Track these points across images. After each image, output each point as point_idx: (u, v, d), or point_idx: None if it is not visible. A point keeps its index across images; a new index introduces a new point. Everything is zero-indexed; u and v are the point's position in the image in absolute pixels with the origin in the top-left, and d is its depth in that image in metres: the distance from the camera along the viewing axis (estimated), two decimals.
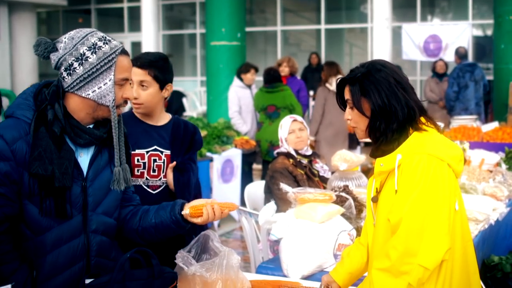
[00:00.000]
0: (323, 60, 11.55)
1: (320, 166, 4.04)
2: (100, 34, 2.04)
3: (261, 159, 7.08)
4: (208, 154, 6.25)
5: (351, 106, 2.08)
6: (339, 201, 3.12)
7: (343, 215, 3.02)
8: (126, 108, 2.35)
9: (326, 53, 13.58)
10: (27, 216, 1.96)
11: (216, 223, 6.18)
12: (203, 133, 6.46)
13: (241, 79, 7.40)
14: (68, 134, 2.00)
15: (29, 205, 1.95)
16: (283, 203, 3.57)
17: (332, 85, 7.05)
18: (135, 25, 15.14)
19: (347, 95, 2.10)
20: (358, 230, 3.00)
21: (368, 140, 2.12)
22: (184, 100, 13.06)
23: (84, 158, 2.06)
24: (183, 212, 2.17)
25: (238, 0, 8.81)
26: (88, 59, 1.98)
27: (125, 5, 15.45)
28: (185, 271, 2.12)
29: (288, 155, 3.91)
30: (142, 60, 2.68)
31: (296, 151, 3.94)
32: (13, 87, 13.15)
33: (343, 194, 3.24)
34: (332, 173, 4.01)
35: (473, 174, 4.44)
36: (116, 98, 2.02)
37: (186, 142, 2.80)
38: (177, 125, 2.82)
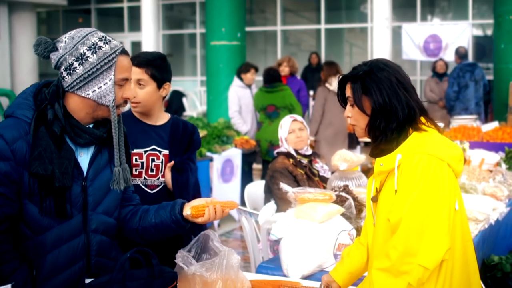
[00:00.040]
0: (323, 60, 11.55)
1: (320, 166, 4.04)
2: (100, 34, 2.04)
3: (261, 159, 7.08)
4: (208, 154, 6.25)
5: (352, 103, 2.08)
6: (339, 201, 3.12)
7: (343, 215, 3.02)
8: (125, 108, 2.35)
9: (326, 53, 13.58)
10: (27, 215, 1.96)
11: (216, 222, 6.19)
12: (203, 133, 6.46)
13: (241, 79, 7.40)
14: (68, 133, 2.00)
15: (29, 204, 1.95)
16: (283, 203, 3.57)
17: (332, 85, 7.05)
18: (135, 25, 15.14)
19: (348, 92, 2.10)
20: (358, 230, 3.00)
21: (368, 139, 2.12)
22: (184, 100, 13.07)
23: (84, 158, 2.06)
24: (184, 214, 2.17)
25: (238, 0, 8.81)
26: (88, 59, 1.98)
27: (125, 4, 15.45)
28: (185, 271, 2.12)
29: (288, 155, 3.91)
30: (140, 59, 2.68)
31: (296, 151, 3.94)
32: (13, 87, 13.15)
33: (343, 194, 3.24)
34: (332, 173, 4.01)
35: (473, 174, 4.44)
36: (116, 98, 2.02)
37: (185, 142, 2.80)
38: (176, 125, 2.81)
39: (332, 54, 13.71)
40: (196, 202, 2.22)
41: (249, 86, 7.42)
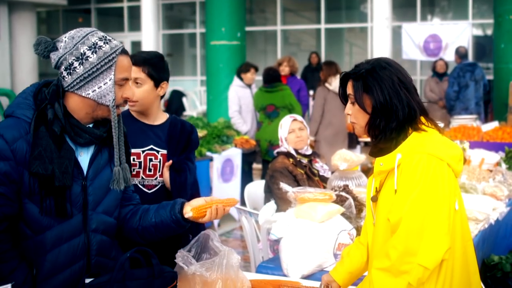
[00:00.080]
0: (323, 60, 11.56)
1: (320, 166, 4.04)
2: (101, 33, 2.04)
3: (261, 159, 7.08)
4: (208, 153, 6.25)
5: (353, 101, 2.09)
6: (339, 201, 3.12)
7: (343, 214, 3.02)
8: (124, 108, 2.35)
9: (326, 52, 13.59)
10: (27, 215, 1.96)
11: (216, 222, 6.19)
12: (203, 132, 6.46)
13: (241, 79, 7.40)
14: (68, 133, 2.00)
15: (29, 204, 1.95)
16: (283, 202, 3.57)
17: (332, 84, 7.05)
18: (135, 24, 15.14)
19: (349, 89, 2.10)
20: (358, 230, 3.00)
21: (368, 139, 2.12)
22: (184, 100, 13.08)
23: (84, 157, 2.06)
24: (186, 216, 2.17)
25: (238, 0, 8.81)
26: (88, 58, 1.98)
27: (125, 4, 15.45)
28: (185, 271, 2.12)
29: (288, 154, 3.91)
30: (136, 58, 2.68)
31: (296, 151, 3.94)
32: (13, 87, 13.15)
33: (343, 193, 3.24)
34: (332, 172, 4.01)
35: (473, 173, 4.44)
36: (116, 97, 2.02)
37: (183, 142, 2.79)
38: (174, 125, 2.81)
39: (332, 54, 13.71)
40: (196, 202, 2.22)
41: (249, 86, 7.42)
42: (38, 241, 1.97)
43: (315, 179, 3.91)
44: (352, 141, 7.49)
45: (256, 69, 7.53)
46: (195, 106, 13.60)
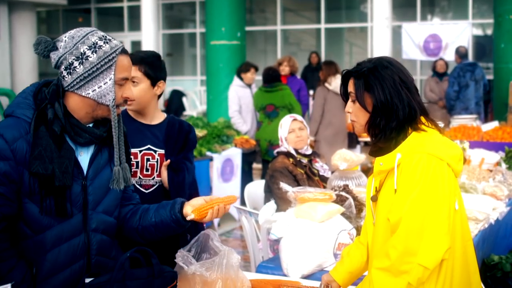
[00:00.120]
0: (323, 60, 11.56)
1: (320, 166, 4.04)
2: (101, 33, 2.04)
3: (261, 159, 7.09)
4: (208, 153, 6.25)
5: (354, 99, 2.09)
6: (339, 201, 3.12)
7: (343, 214, 3.02)
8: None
9: (326, 52, 13.59)
10: (27, 215, 1.96)
11: (216, 222, 6.19)
12: (203, 132, 6.46)
13: (241, 79, 7.40)
14: (68, 133, 2.00)
15: (30, 204, 1.95)
16: (283, 202, 3.57)
17: (331, 84, 7.05)
18: (135, 24, 15.14)
19: (350, 87, 2.10)
20: (358, 229, 3.00)
21: (367, 139, 2.12)
22: (184, 100, 13.08)
23: (84, 157, 2.06)
24: (188, 218, 2.17)
25: (238, 0, 8.81)
26: (88, 58, 1.98)
27: (125, 4, 15.45)
28: (185, 270, 2.12)
29: (288, 154, 3.91)
30: (133, 57, 2.67)
31: (296, 151, 3.94)
32: (13, 86, 13.15)
33: (343, 193, 3.24)
34: (332, 172, 4.01)
35: (473, 173, 4.44)
36: (116, 97, 2.03)
37: (180, 141, 2.79)
38: (171, 124, 2.80)
39: (332, 53, 13.71)
40: (195, 201, 2.22)
41: (249, 85, 7.42)
42: (38, 241, 1.97)
43: (315, 179, 3.91)
44: (352, 141, 7.50)
45: (256, 69, 7.53)
46: (195, 106, 13.61)
